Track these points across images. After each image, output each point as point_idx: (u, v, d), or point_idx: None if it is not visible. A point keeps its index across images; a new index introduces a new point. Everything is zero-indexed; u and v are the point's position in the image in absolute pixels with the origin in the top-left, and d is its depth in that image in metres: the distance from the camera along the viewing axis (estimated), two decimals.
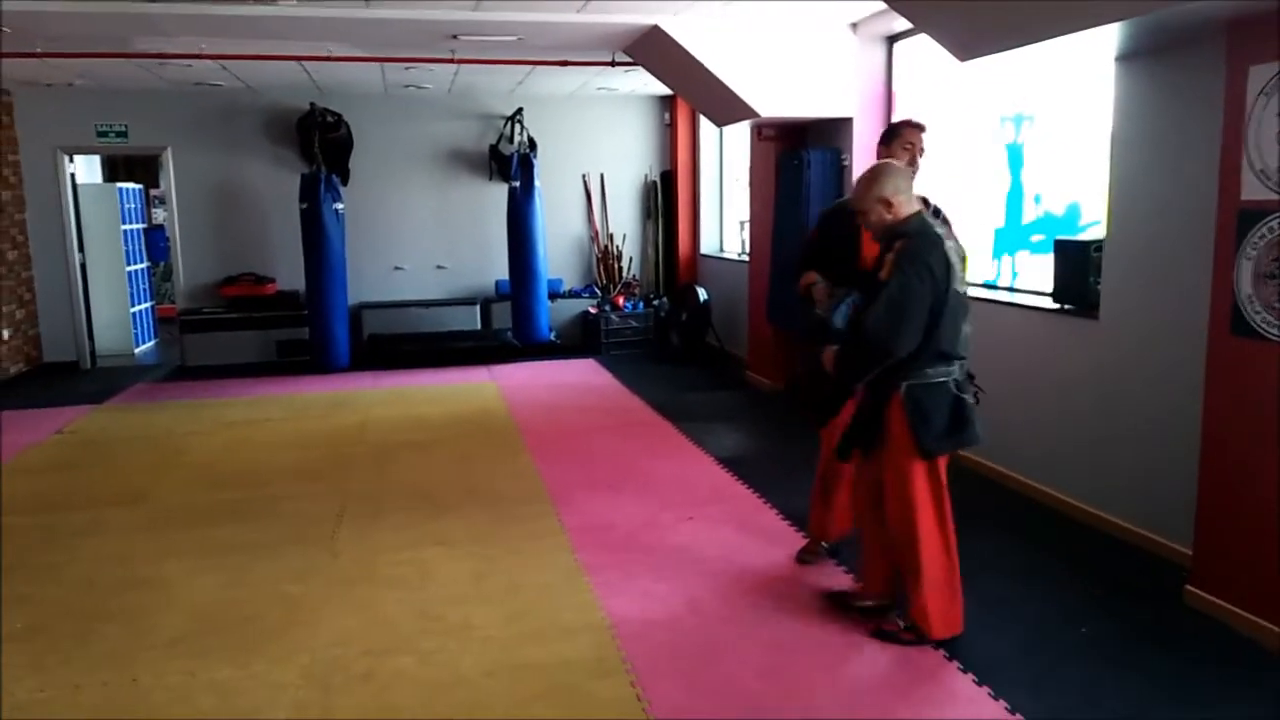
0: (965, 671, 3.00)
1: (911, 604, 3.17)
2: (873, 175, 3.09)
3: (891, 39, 6.32)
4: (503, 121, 9.60)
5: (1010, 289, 5.22)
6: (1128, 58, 4.03)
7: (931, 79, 5.95)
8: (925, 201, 3.30)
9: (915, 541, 3.11)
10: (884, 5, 4.74)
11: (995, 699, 2.84)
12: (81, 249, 9.20)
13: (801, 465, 5.56)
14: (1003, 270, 5.36)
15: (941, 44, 4.12)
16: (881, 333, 2.95)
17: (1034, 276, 5.09)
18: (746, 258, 8.12)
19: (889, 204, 3.03)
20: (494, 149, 9.60)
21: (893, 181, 3.05)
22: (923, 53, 5.93)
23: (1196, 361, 3.47)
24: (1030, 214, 5.18)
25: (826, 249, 3.62)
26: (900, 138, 3.56)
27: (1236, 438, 3.23)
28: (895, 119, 6.34)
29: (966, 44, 3.98)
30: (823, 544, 3.92)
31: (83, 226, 9.24)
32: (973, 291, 5.40)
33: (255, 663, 3.15)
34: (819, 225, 3.78)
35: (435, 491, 4.99)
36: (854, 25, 6.24)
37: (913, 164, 3.50)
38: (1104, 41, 3.78)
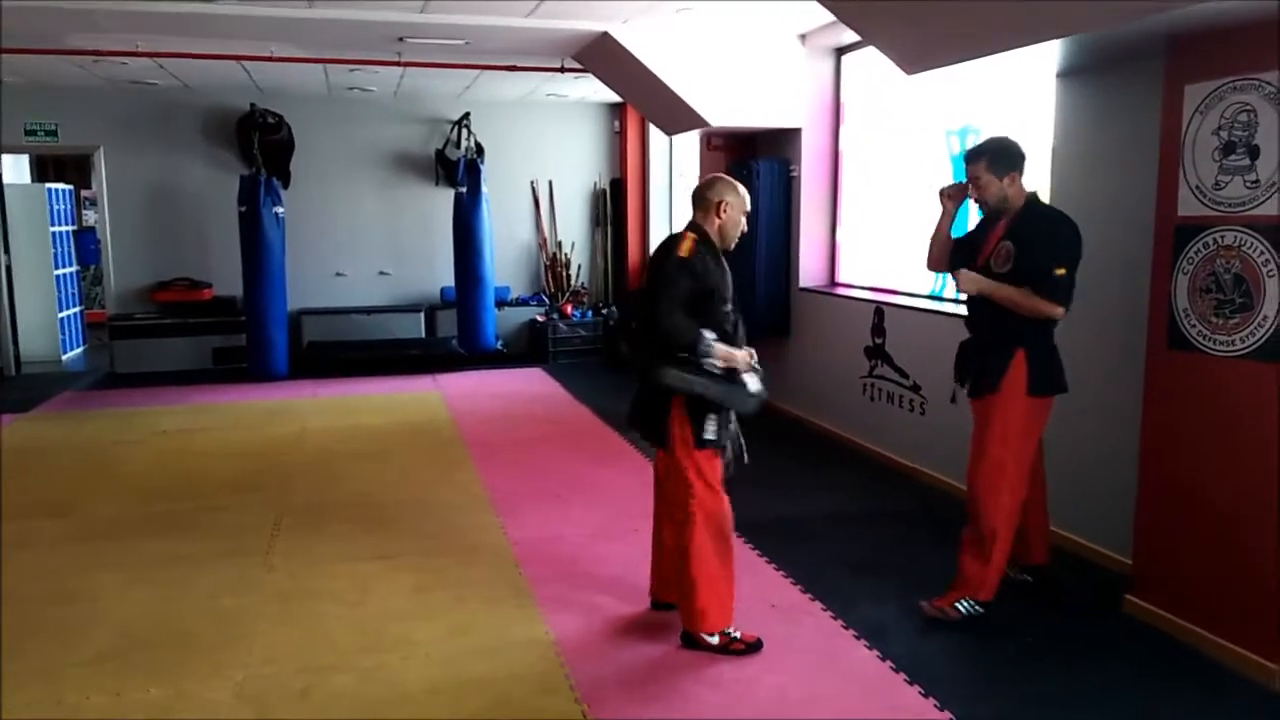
0: (912, 683, 3.00)
1: None
2: None
3: (840, 51, 6.38)
4: (449, 126, 9.49)
5: (955, 300, 5.28)
6: (1068, 74, 4.11)
7: (879, 91, 6.02)
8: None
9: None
10: (832, 17, 4.77)
11: (941, 709, 2.85)
12: (7, 251, 8.89)
13: (749, 475, 5.53)
14: (946, 282, 5.41)
15: (889, 57, 4.15)
16: None
17: None
18: None
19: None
20: (440, 154, 9.49)
21: None
22: (871, 65, 5.99)
23: (1135, 374, 3.54)
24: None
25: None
26: None
27: (1175, 449, 3.29)
28: (844, 130, 6.44)
29: (913, 57, 4.01)
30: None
31: (9, 228, 8.94)
32: (916, 303, 5.48)
33: (187, 680, 3.03)
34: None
35: (376, 503, 4.88)
36: (803, 37, 6.29)
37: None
38: (1047, 57, 3.84)
